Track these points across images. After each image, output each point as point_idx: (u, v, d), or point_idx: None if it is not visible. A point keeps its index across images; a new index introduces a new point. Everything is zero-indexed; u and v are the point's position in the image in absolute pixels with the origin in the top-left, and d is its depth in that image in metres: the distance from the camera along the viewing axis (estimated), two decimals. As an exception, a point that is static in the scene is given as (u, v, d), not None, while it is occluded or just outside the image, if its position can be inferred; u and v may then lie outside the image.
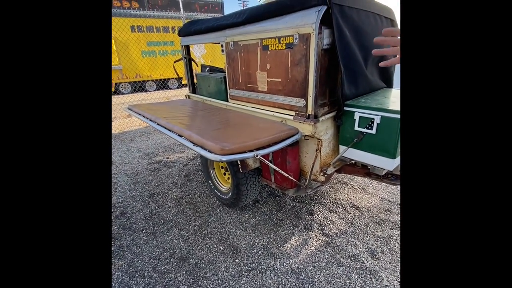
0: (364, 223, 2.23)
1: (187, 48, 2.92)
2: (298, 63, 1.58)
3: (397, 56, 0.61)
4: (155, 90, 10.89)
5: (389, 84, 2.20)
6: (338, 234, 2.11)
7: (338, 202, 2.53)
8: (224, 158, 1.30)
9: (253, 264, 1.84)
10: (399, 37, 0.61)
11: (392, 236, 2.05)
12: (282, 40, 1.63)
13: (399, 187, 2.43)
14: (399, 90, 2.05)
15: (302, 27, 1.50)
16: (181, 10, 5.12)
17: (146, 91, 10.67)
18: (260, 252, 1.95)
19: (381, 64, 0.65)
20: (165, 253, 1.96)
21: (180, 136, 1.63)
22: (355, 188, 2.76)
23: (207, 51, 11.32)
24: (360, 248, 1.95)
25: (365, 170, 1.86)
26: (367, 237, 2.07)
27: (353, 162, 1.91)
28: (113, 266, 1.86)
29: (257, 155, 1.36)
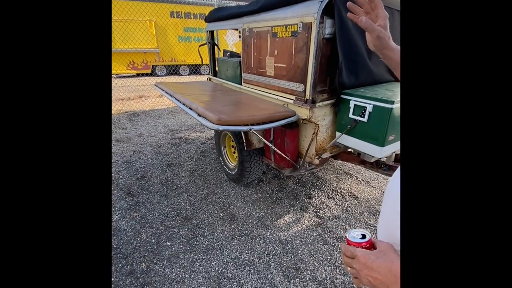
0: (359, 212, 2.31)
1: (211, 33, 3.13)
2: (300, 50, 1.70)
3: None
4: (188, 75, 11.42)
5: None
6: (330, 218, 2.23)
7: (338, 190, 2.62)
8: (221, 127, 1.49)
9: (246, 231, 2.05)
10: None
11: (383, 225, 2.12)
12: (289, 28, 1.76)
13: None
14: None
15: (306, 16, 1.61)
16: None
17: (179, 74, 11.25)
18: (254, 223, 2.15)
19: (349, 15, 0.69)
20: (172, 212, 2.26)
21: (190, 108, 1.86)
22: (359, 181, 2.82)
23: (239, 40, 11.51)
24: (348, 231, 2.06)
25: (360, 158, 1.94)
26: (358, 224, 2.16)
27: (350, 150, 2.00)
28: (128, 216, 2.19)
29: (250, 129, 1.54)
